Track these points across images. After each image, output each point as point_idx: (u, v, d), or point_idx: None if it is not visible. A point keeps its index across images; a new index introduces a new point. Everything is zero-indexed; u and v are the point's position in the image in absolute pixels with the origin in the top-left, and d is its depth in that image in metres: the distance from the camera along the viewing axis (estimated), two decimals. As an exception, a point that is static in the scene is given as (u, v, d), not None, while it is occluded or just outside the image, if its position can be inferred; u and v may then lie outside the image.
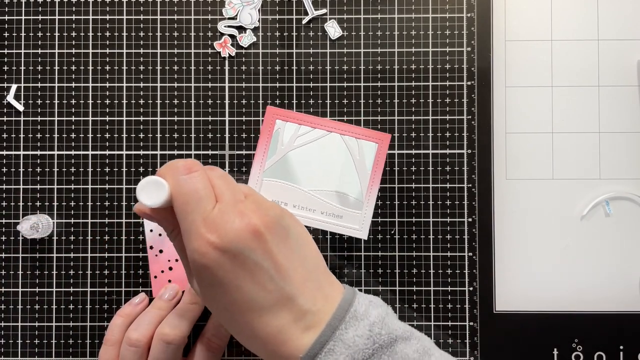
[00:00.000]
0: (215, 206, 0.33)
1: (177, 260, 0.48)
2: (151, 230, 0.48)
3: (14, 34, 0.49)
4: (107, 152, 0.49)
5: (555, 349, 0.48)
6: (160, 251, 0.48)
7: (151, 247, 0.48)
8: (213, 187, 0.34)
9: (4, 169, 0.49)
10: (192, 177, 0.33)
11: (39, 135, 0.49)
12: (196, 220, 0.32)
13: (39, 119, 0.49)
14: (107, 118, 0.49)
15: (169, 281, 0.48)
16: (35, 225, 0.46)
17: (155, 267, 0.48)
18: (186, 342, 0.44)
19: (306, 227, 0.48)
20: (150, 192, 0.33)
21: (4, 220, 0.49)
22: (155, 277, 0.48)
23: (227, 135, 0.49)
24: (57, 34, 0.49)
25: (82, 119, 0.49)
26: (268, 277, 0.32)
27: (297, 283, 0.33)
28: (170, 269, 0.48)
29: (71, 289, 0.48)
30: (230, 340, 0.48)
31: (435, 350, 0.35)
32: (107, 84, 0.49)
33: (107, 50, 0.49)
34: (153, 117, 0.49)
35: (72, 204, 0.49)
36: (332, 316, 0.33)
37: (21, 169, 0.49)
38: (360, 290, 0.48)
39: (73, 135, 0.49)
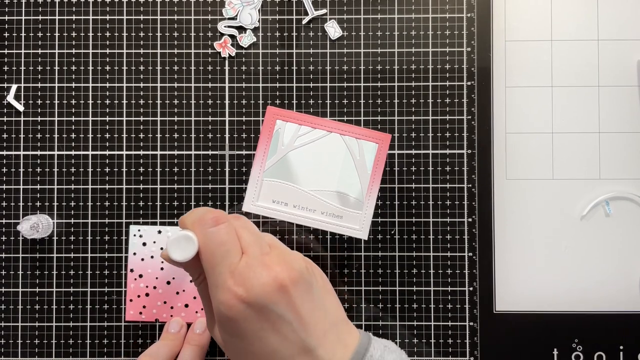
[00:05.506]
0: (242, 259, 0.34)
1: (154, 287, 0.47)
2: (134, 254, 0.47)
3: (14, 34, 0.49)
4: (107, 152, 0.49)
5: (555, 349, 0.48)
6: (140, 276, 0.47)
7: (132, 270, 0.48)
8: (239, 238, 0.35)
9: (4, 169, 0.49)
10: (219, 230, 0.34)
11: (39, 135, 0.49)
12: (223, 273, 0.33)
13: (39, 119, 0.49)
14: (107, 118, 0.49)
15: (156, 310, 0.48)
16: (35, 225, 0.46)
17: (132, 291, 0.48)
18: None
19: (306, 227, 0.48)
20: (181, 247, 0.34)
21: (4, 220, 0.49)
22: (131, 300, 0.47)
23: (227, 135, 0.49)
24: (57, 34, 0.49)
25: (82, 119, 0.49)
26: (291, 330, 0.33)
27: (318, 335, 0.34)
28: (147, 294, 0.47)
29: (71, 289, 0.48)
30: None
31: None
32: (107, 84, 0.49)
33: (107, 50, 0.49)
34: (153, 117, 0.49)
35: (72, 204, 0.49)
36: None
37: (21, 169, 0.49)
38: (360, 290, 0.48)
39: (73, 135, 0.49)
